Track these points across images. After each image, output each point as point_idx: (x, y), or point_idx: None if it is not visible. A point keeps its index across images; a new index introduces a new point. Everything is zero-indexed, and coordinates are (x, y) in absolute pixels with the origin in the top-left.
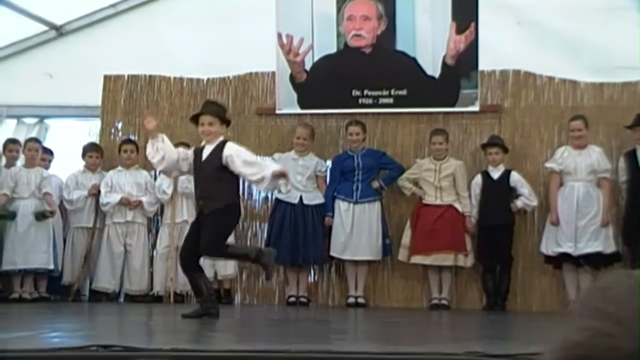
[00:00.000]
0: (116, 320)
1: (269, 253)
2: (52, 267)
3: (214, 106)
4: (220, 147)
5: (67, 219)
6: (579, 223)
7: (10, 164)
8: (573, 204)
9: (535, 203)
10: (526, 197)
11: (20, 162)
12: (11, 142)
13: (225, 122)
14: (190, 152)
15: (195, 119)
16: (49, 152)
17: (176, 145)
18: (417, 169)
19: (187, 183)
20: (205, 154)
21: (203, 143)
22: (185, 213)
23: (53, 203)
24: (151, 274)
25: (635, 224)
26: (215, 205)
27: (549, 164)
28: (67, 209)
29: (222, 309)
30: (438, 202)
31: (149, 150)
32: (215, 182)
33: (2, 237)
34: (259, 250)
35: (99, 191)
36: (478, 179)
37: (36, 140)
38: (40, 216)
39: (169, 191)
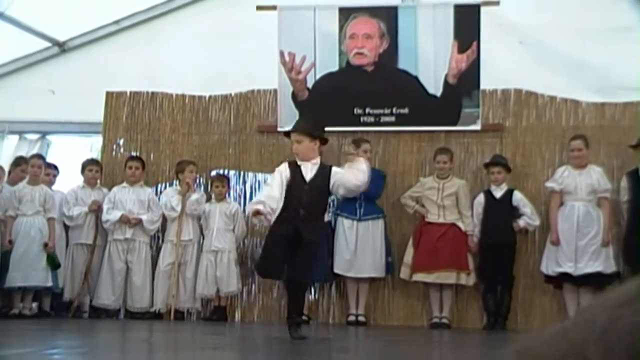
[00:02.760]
0: (116, 338)
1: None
2: (50, 284)
3: (302, 124)
4: (327, 170)
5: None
6: (579, 243)
7: (16, 182)
8: (573, 224)
9: (537, 223)
10: (528, 216)
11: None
12: (23, 160)
13: (318, 138)
14: (283, 169)
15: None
16: (54, 168)
17: (180, 163)
18: (420, 187)
19: (197, 205)
20: (308, 173)
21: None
22: (191, 232)
23: (53, 233)
24: (152, 291)
25: (636, 244)
26: (317, 232)
27: (549, 184)
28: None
29: (221, 327)
30: (441, 220)
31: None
32: (319, 206)
33: (6, 257)
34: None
35: (100, 207)
36: (481, 197)
37: (40, 156)
38: (53, 264)
39: (178, 209)
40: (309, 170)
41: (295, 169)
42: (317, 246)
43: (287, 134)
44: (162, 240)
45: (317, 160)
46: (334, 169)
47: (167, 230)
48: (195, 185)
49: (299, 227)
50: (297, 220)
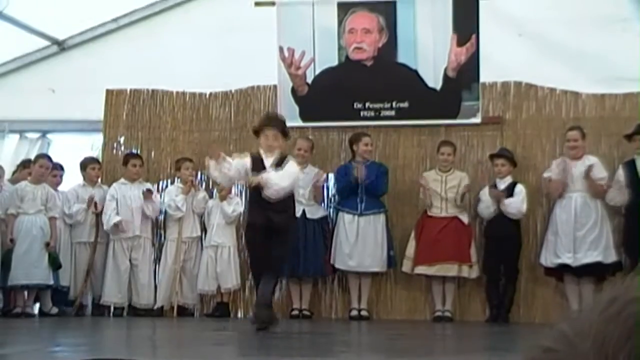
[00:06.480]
0: (120, 335)
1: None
2: (52, 282)
3: (278, 121)
4: (283, 160)
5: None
6: (577, 234)
7: (17, 182)
8: (571, 215)
9: (522, 210)
10: (516, 200)
11: None
12: (30, 162)
13: (286, 136)
14: (246, 161)
15: (256, 132)
16: (60, 168)
17: (178, 161)
18: (424, 180)
19: (203, 203)
20: (269, 165)
21: (262, 153)
22: (199, 229)
23: (54, 233)
24: (155, 288)
25: (634, 235)
26: (287, 218)
27: (546, 174)
28: None
29: (223, 323)
30: (443, 213)
31: (212, 171)
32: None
33: (8, 255)
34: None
35: (95, 202)
36: (485, 190)
37: (48, 157)
38: (54, 264)
39: (184, 209)
40: (269, 160)
41: (256, 160)
42: (290, 232)
43: (258, 130)
44: (165, 238)
45: (279, 153)
46: (292, 160)
47: (170, 229)
48: (197, 183)
49: (269, 215)
50: (265, 209)
